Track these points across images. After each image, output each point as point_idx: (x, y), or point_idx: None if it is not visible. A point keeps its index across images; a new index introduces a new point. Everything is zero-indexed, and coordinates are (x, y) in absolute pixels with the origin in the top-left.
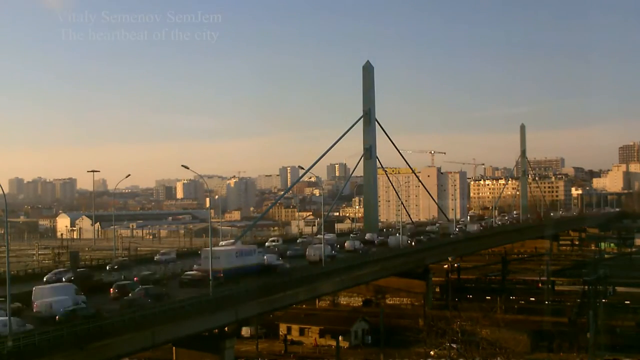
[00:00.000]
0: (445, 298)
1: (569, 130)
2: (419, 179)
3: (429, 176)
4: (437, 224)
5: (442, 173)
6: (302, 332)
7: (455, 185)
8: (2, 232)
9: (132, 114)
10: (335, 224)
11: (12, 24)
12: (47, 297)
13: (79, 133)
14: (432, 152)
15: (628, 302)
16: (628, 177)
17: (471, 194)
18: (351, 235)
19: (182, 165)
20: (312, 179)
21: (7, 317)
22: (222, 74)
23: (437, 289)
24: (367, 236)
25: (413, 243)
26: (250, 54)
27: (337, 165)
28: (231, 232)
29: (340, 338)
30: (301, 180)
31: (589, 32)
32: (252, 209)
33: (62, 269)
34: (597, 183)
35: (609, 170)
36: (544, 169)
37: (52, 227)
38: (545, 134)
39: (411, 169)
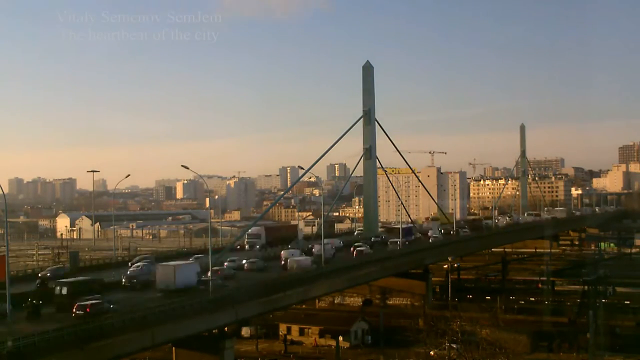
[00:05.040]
0: (445, 298)
1: (569, 130)
2: (418, 179)
3: (429, 176)
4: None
5: (442, 173)
6: (302, 332)
7: (455, 185)
8: (2, 232)
9: (132, 113)
10: (335, 224)
11: (12, 24)
12: None
13: (78, 133)
14: (432, 152)
15: (628, 302)
16: (628, 177)
17: (471, 194)
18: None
19: (182, 165)
20: (312, 179)
21: None
22: (222, 74)
23: (437, 289)
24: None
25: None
26: (250, 54)
27: (337, 165)
28: (231, 232)
29: (340, 338)
30: (301, 180)
31: (590, 31)
32: (252, 209)
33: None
34: (597, 183)
35: (609, 170)
36: (543, 169)
37: (52, 227)
38: (545, 134)
39: (411, 169)
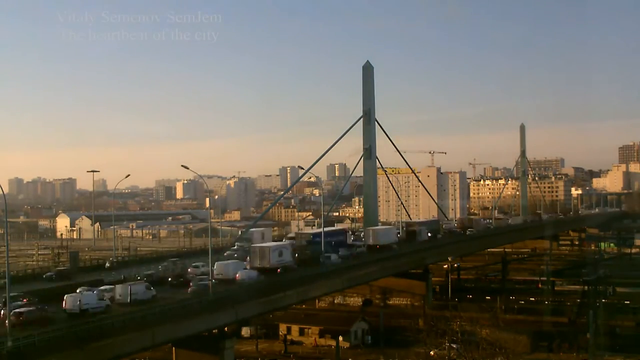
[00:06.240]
0: (445, 298)
1: (569, 130)
2: (418, 179)
3: (428, 176)
4: None
5: (442, 173)
6: (302, 332)
7: (455, 185)
8: (2, 232)
9: (132, 113)
10: (335, 224)
11: (12, 24)
12: None
13: (78, 133)
14: (432, 152)
15: (628, 302)
16: (628, 177)
17: (471, 194)
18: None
19: (182, 165)
20: (312, 179)
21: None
22: (222, 74)
23: (437, 289)
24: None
25: None
26: (250, 54)
27: (337, 165)
28: (231, 232)
29: (340, 338)
30: (301, 180)
31: (590, 31)
32: (252, 209)
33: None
34: (597, 183)
35: (609, 170)
36: (543, 169)
37: (52, 227)
38: (545, 134)
39: (411, 169)
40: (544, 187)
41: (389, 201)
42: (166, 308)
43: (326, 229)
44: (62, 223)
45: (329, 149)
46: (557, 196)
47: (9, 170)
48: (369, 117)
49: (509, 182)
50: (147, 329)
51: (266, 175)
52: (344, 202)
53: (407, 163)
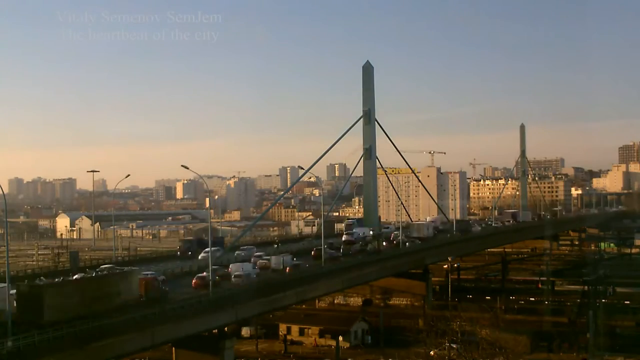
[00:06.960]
0: (445, 298)
1: (569, 130)
2: (418, 179)
3: (428, 176)
4: None
5: (442, 173)
6: (302, 332)
7: (455, 185)
8: (2, 232)
9: (132, 113)
10: (335, 224)
11: (11, 24)
12: None
13: (79, 133)
14: (432, 152)
15: (628, 302)
16: (628, 177)
17: (471, 194)
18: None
19: (182, 165)
20: (312, 179)
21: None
22: (222, 74)
23: (437, 289)
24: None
25: None
26: (250, 54)
27: (336, 165)
28: (231, 232)
29: (340, 338)
30: (301, 180)
31: (590, 31)
32: (251, 209)
33: None
34: (597, 183)
35: (609, 170)
36: (543, 169)
37: (52, 228)
38: (545, 134)
39: (411, 169)
40: (544, 187)
41: (389, 201)
42: (166, 308)
43: None
44: (62, 223)
45: (329, 149)
46: (557, 196)
47: (9, 170)
48: (369, 117)
49: (509, 182)
50: (147, 329)
51: (266, 175)
52: (344, 202)
53: (407, 163)
